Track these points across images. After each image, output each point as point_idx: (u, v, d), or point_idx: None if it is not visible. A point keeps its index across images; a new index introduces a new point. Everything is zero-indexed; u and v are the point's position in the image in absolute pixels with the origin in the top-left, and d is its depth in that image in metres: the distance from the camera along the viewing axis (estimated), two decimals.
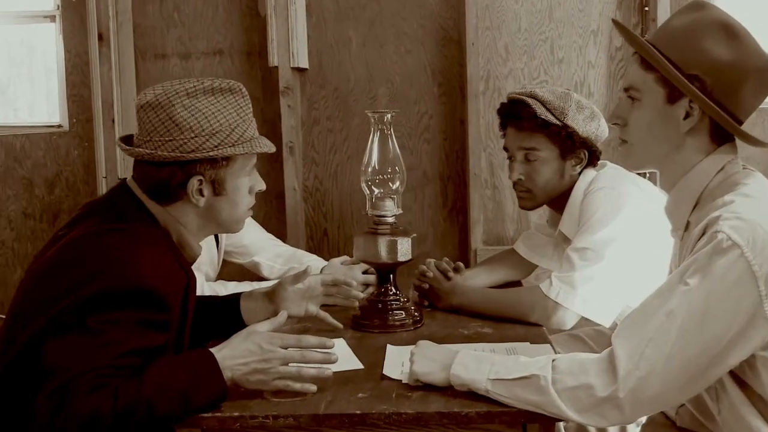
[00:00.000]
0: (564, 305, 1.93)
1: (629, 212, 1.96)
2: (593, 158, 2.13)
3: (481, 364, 1.46)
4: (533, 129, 2.10)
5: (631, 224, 1.95)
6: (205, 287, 2.09)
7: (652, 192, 2.06)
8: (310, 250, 3.21)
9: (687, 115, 1.45)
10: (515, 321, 1.97)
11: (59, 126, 3.30)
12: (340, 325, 1.91)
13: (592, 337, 2.26)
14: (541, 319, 1.95)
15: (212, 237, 2.42)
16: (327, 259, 2.48)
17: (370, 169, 1.99)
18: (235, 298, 1.88)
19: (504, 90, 3.12)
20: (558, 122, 2.06)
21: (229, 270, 3.20)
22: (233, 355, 1.50)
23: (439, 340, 1.81)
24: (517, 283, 2.42)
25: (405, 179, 2.00)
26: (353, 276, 2.21)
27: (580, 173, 2.13)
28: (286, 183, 3.12)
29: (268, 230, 3.17)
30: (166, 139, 1.52)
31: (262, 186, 1.68)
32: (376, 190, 1.99)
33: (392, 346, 1.80)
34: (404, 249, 1.96)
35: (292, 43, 3.03)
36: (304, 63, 3.10)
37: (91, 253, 1.48)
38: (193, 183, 1.54)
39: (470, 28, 3.03)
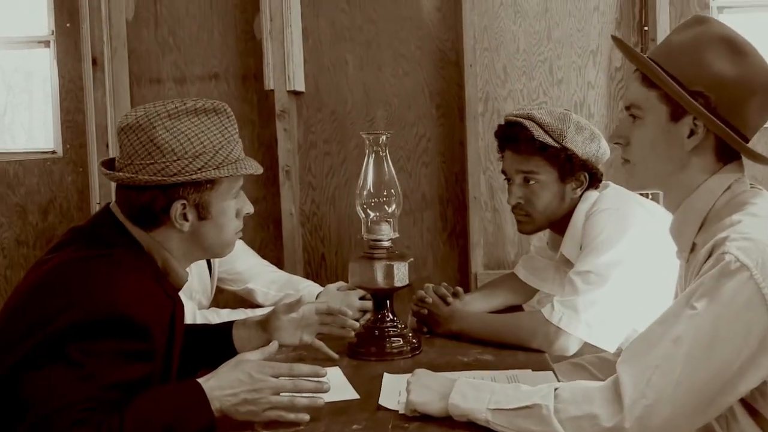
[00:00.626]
0: (567, 330, 1.87)
1: (634, 234, 1.91)
2: (594, 180, 2.08)
3: (481, 393, 1.40)
4: (531, 152, 2.05)
5: (637, 246, 1.90)
6: (197, 315, 2.04)
7: (657, 212, 2.01)
8: (307, 275, 3.16)
9: (691, 133, 1.39)
10: (516, 347, 1.91)
11: (53, 152, 3.26)
12: (336, 356, 1.85)
13: (594, 364, 2.19)
14: (542, 345, 1.89)
15: (204, 264, 2.37)
16: (324, 285, 2.43)
17: (365, 192, 1.94)
18: (228, 326, 1.83)
19: (503, 111, 3.07)
20: (556, 144, 2.01)
21: (224, 297, 3.15)
22: (221, 386, 1.45)
23: (438, 368, 1.76)
24: (517, 308, 2.37)
25: (401, 202, 1.95)
26: (349, 302, 2.16)
27: (581, 195, 2.07)
28: (283, 207, 3.07)
29: (265, 256, 3.12)
30: (147, 162, 1.46)
31: (249, 209, 1.62)
32: (372, 214, 1.94)
33: (389, 375, 1.75)
34: (401, 274, 1.90)
35: (288, 67, 3.00)
36: (300, 86, 3.07)
37: (72, 279, 1.42)
38: (177, 207, 1.48)
39: (468, 50, 2.99)
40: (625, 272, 1.88)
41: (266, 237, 3.19)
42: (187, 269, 1.62)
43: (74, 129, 3.22)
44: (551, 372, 1.73)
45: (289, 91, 3.02)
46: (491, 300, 2.31)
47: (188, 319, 2.01)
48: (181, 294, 2.09)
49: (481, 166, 3.06)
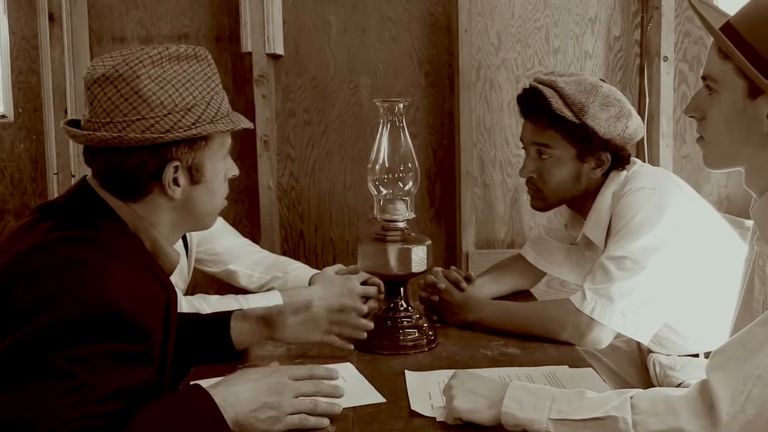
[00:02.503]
0: (600, 322, 1.70)
1: (673, 215, 1.74)
2: (619, 161, 1.89)
3: (540, 401, 1.22)
4: (547, 124, 1.87)
5: (676, 230, 1.73)
6: (183, 302, 1.81)
7: (692, 194, 1.86)
8: (284, 253, 2.95)
9: None
10: (541, 339, 1.74)
11: (3, 116, 2.96)
12: (350, 346, 1.65)
13: (606, 353, 2.05)
14: (573, 338, 1.72)
15: (180, 243, 2.13)
16: (316, 267, 2.23)
17: (378, 167, 1.73)
18: (224, 317, 1.62)
19: (496, 81, 2.90)
20: (575, 120, 1.82)
21: (199, 280, 2.92)
22: (236, 391, 1.26)
23: (462, 364, 1.59)
24: (525, 293, 2.20)
25: (418, 178, 1.75)
26: (350, 288, 1.96)
27: (605, 176, 1.90)
28: (260, 181, 2.84)
29: (239, 232, 2.91)
30: (133, 118, 1.23)
31: (235, 170, 1.42)
32: (385, 191, 1.74)
33: (412, 373, 1.56)
34: (418, 258, 1.71)
35: (267, 27, 2.75)
36: (279, 49, 2.83)
37: (47, 269, 1.17)
38: (169, 171, 1.27)
39: (463, 14, 2.79)
40: (663, 258, 1.72)
41: (241, 212, 2.97)
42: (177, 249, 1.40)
43: (27, 91, 2.93)
44: (591, 369, 1.57)
45: (267, 54, 2.78)
46: (500, 284, 2.14)
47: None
48: None
49: (473, 138, 2.87)
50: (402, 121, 1.73)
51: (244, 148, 2.90)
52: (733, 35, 1.23)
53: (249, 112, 2.85)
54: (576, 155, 1.87)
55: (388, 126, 1.72)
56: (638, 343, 2.08)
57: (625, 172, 1.89)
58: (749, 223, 2.28)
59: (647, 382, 2.06)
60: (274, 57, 2.84)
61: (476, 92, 2.88)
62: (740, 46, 1.21)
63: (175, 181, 1.28)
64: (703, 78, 1.29)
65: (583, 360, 1.63)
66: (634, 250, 1.72)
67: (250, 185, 2.90)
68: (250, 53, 2.78)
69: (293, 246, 2.98)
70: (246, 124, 1.36)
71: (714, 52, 1.27)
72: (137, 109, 1.23)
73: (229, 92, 2.89)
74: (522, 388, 1.26)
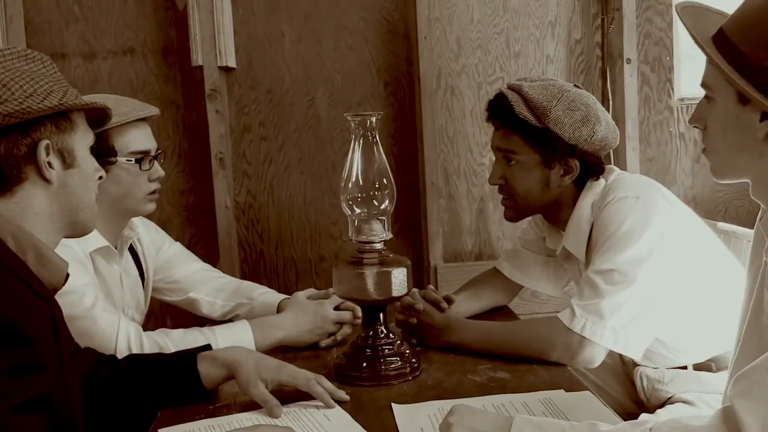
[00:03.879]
0: (592, 339, 1.62)
1: (660, 224, 1.67)
2: (591, 169, 1.81)
3: None
4: (510, 129, 1.81)
5: (664, 238, 1.66)
6: (144, 339, 1.67)
7: (676, 201, 1.79)
8: (244, 274, 2.83)
9: (764, 117, 1.15)
10: (529, 360, 1.65)
11: None
12: (345, 397, 1.52)
13: (589, 368, 1.97)
14: (563, 358, 1.64)
15: (136, 273, 1.99)
16: (278, 287, 2.11)
17: (351, 185, 1.62)
18: (191, 358, 1.51)
19: (457, 88, 2.82)
20: (538, 124, 1.75)
21: (159, 309, 2.77)
22: None
23: (450, 392, 1.50)
24: (503, 308, 2.12)
25: (395, 196, 1.65)
26: (324, 314, 1.84)
27: (580, 185, 1.83)
28: (217, 200, 2.71)
29: (196, 254, 2.76)
30: None
31: (102, 172, 1.38)
32: (359, 210, 1.63)
33: (399, 407, 1.45)
34: (399, 282, 1.60)
35: (218, 39, 2.62)
36: (231, 62, 2.70)
37: None
38: (41, 149, 1.23)
39: (422, 20, 2.70)
40: (652, 270, 1.64)
41: (197, 233, 2.82)
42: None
43: None
44: (588, 392, 1.48)
45: (219, 68, 2.65)
46: (478, 301, 2.04)
47: (134, 344, 1.66)
48: (121, 313, 1.74)
49: (436, 148, 2.78)
50: (375, 136, 1.62)
51: (198, 166, 2.77)
52: (724, 42, 1.16)
53: (202, 128, 2.71)
54: (541, 161, 1.80)
55: (361, 141, 1.62)
56: (620, 356, 2.01)
57: (603, 181, 1.82)
58: (723, 225, 2.25)
59: (632, 396, 1.99)
60: (227, 70, 2.71)
61: (438, 100, 2.79)
62: (729, 53, 1.14)
63: (49, 165, 1.25)
64: (702, 86, 1.22)
65: (579, 382, 1.54)
66: (622, 263, 1.65)
67: (206, 205, 2.77)
68: (201, 67, 2.64)
69: (253, 267, 2.85)
70: (104, 105, 1.36)
71: (708, 59, 1.20)
72: None
73: (180, 108, 2.79)
74: (528, 422, 1.16)
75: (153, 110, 1.88)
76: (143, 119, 1.87)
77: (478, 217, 2.86)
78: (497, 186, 1.90)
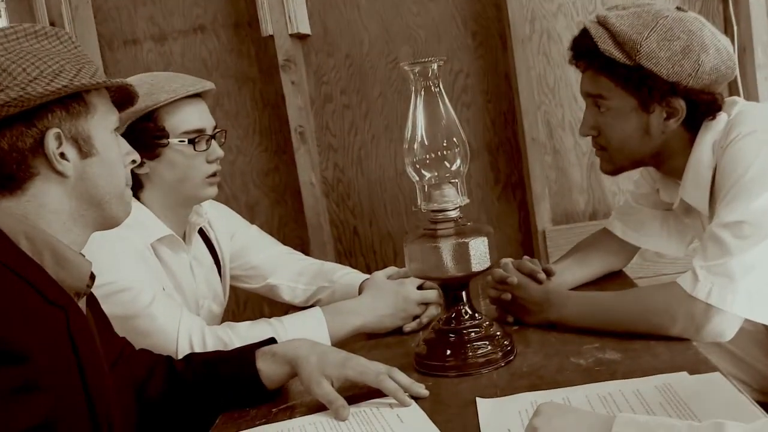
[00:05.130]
0: (721, 308, 1.33)
1: None
2: (704, 108, 1.50)
3: None
4: (597, 70, 1.53)
5: None
6: (207, 336, 1.51)
7: None
8: (339, 254, 2.65)
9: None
10: (646, 336, 1.38)
11: None
12: (425, 392, 1.31)
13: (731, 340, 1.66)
14: (687, 331, 1.36)
15: (210, 262, 1.85)
16: (362, 266, 1.92)
17: (416, 146, 1.40)
18: (249, 356, 1.35)
19: (554, 31, 2.52)
20: (627, 62, 1.46)
21: (240, 296, 2.65)
22: None
23: (550, 381, 1.24)
24: (618, 274, 1.85)
25: (468, 153, 1.41)
26: (405, 295, 1.64)
27: (692, 126, 1.52)
28: (301, 177, 2.54)
29: (287, 237, 2.63)
30: None
31: (135, 155, 1.24)
32: (428, 175, 1.40)
33: (485, 401, 1.23)
34: (479, 253, 1.37)
35: (287, 5, 2.44)
36: (305, 28, 2.51)
37: None
38: (50, 139, 1.09)
39: None
40: None
41: (285, 214, 2.67)
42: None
43: None
44: (718, 373, 1.20)
45: (291, 35, 2.46)
46: (586, 267, 1.78)
47: (196, 342, 1.51)
48: (182, 307, 1.59)
49: (535, 100, 2.50)
50: (439, 85, 1.39)
51: (280, 143, 2.61)
52: None
53: (280, 102, 2.55)
54: (637, 105, 1.51)
55: (422, 94, 1.39)
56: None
57: (724, 116, 1.51)
58: None
59: None
60: (300, 37, 2.53)
61: (533, 47, 2.50)
62: None
63: (63, 156, 1.11)
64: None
65: (706, 361, 1.27)
66: (752, 213, 1.35)
67: (293, 184, 2.60)
68: (272, 36, 2.47)
69: (348, 245, 2.67)
70: (123, 82, 1.19)
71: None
72: None
73: (257, 83, 2.63)
74: (632, 423, 0.91)
75: (207, 85, 1.72)
76: (198, 95, 1.71)
77: (588, 172, 2.56)
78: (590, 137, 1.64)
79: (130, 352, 1.38)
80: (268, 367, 1.34)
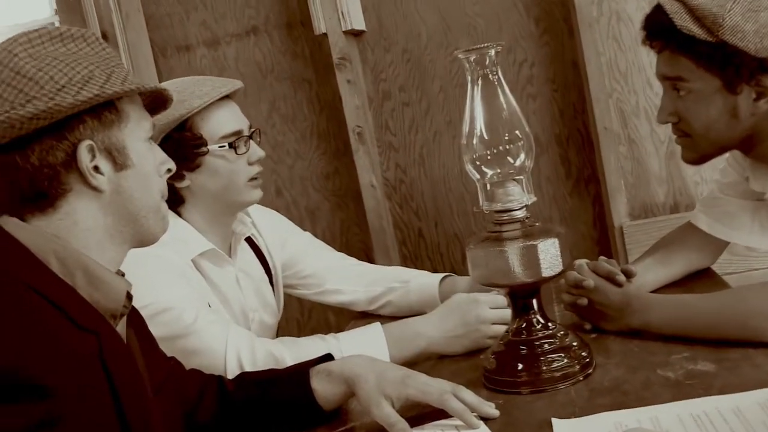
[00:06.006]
0: None
1: None
2: None
3: None
4: (673, 50, 1.39)
5: None
6: (257, 353, 1.42)
7: None
8: (404, 258, 2.55)
9: None
10: (743, 343, 1.23)
11: None
12: (495, 411, 1.19)
13: None
14: None
15: (260, 270, 1.76)
16: (443, 268, 1.81)
17: (475, 141, 1.28)
18: (303, 376, 1.26)
19: (623, 13, 2.35)
20: (709, 38, 1.31)
21: (305, 305, 2.58)
22: None
23: (636, 398, 1.11)
24: (705, 272, 1.69)
25: (533, 147, 1.28)
26: (478, 314, 1.48)
27: None
28: (361, 179, 2.44)
29: (350, 241, 2.55)
30: (22, 101, 0.97)
31: (171, 164, 1.16)
32: (490, 172, 1.28)
33: (561, 422, 1.10)
34: (549, 257, 1.24)
35: (340, 1, 2.34)
36: (359, 24, 2.41)
37: None
38: (83, 152, 1.01)
39: None
40: None
41: (347, 218, 2.57)
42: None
43: None
44: None
45: (345, 32, 2.36)
46: (670, 267, 1.63)
47: (246, 359, 1.42)
48: (230, 322, 1.51)
49: (606, 87, 2.34)
50: (498, 74, 1.27)
51: (338, 146, 2.52)
52: None
53: (337, 102, 2.46)
54: (722, 86, 1.36)
55: (480, 84, 1.26)
56: None
57: None
58: None
59: None
60: (355, 34, 2.43)
61: (601, 30, 2.34)
62: None
63: (97, 169, 1.03)
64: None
65: None
66: None
67: (354, 186, 2.51)
68: (325, 35, 2.38)
69: (413, 248, 2.56)
70: (157, 86, 1.12)
71: None
72: (24, 90, 0.98)
73: (312, 85, 2.54)
74: None
75: (236, 84, 1.63)
76: (227, 97, 1.62)
77: (668, 161, 2.39)
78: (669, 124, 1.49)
79: (180, 373, 1.30)
80: (323, 387, 1.24)
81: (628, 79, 2.37)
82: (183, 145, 1.53)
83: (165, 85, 1.59)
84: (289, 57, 2.53)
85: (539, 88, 2.43)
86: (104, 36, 2.45)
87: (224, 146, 1.56)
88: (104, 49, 1.08)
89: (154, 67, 2.53)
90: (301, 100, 2.54)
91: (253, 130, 1.63)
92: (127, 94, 1.05)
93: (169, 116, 1.51)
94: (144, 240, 1.12)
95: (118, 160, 1.06)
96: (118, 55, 1.14)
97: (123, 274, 1.09)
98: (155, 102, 1.15)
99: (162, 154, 1.15)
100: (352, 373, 1.23)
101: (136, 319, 1.18)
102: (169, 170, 1.15)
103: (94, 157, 1.03)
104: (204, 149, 1.54)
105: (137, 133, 1.09)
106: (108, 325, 1.03)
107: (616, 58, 2.36)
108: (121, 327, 1.07)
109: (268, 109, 2.54)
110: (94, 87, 1.01)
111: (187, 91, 1.54)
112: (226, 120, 1.57)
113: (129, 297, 1.08)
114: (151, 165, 1.11)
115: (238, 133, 1.58)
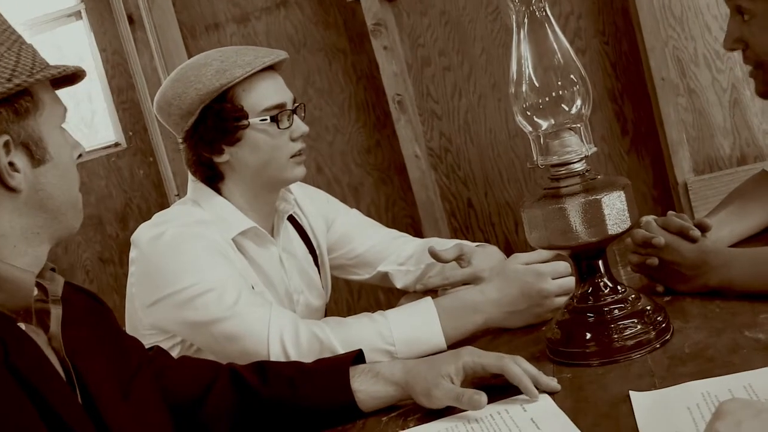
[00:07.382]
0: None
1: None
2: None
3: None
4: None
5: None
6: (301, 335, 1.32)
7: None
8: (454, 230, 2.44)
9: None
10: None
11: (116, 144, 2.64)
12: (557, 385, 1.08)
13: None
14: None
15: (304, 251, 1.66)
16: (495, 240, 1.69)
17: (524, 89, 1.15)
18: (342, 372, 1.17)
19: None
20: None
21: (353, 285, 2.48)
22: None
23: (722, 365, 0.98)
24: None
25: (590, 91, 1.15)
26: (540, 287, 1.33)
27: None
28: (404, 151, 2.33)
29: (396, 216, 2.44)
30: None
31: (81, 148, 1.01)
32: (544, 123, 1.15)
33: (640, 395, 0.98)
34: (615, 212, 1.11)
35: None
36: None
37: None
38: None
39: None
40: None
41: (392, 193, 2.47)
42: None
43: (132, 110, 2.59)
44: None
45: None
46: (746, 220, 1.47)
47: (289, 342, 1.32)
48: (272, 303, 1.41)
49: (661, 34, 2.18)
50: (545, 11, 1.14)
51: (378, 117, 2.41)
52: None
53: (374, 71, 2.34)
54: None
55: (526, 24, 1.14)
56: None
57: None
58: None
59: None
60: None
61: None
62: None
63: (12, 166, 0.90)
64: None
65: None
66: None
67: (395, 158, 2.40)
68: (358, 1, 2.26)
69: (463, 219, 2.44)
70: (75, 68, 0.97)
71: None
72: None
73: (348, 55, 2.43)
74: None
75: (280, 54, 1.53)
76: (270, 67, 1.52)
77: (732, 110, 2.22)
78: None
79: (169, 364, 1.20)
80: (368, 389, 1.14)
81: (684, 25, 2.21)
82: (223, 117, 1.44)
83: (209, 53, 1.49)
84: (322, 27, 2.42)
85: (588, 41, 2.29)
86: (130, 19, 2.37)
87: (266, 120, 1.46)
88: (6, 29, 0.94)
89: (183, 50, 2.44)
90: (336, 71, 2.43)
91: (297, 104, 1.53)
92: (46, 77, 0.93)
93: (209, 86, 1.41)
94: (62, 237, 0.99)
95: (36, 154, 0.93)
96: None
97: (54, 269, 0.97)
98: (62, 80, 1.00)
99: (73, 138, 1.01)
100: (405, 370, 1.14)
101: (96, 315, 1.07)
102: (80, 155, 1.01)
103: (8, 152, 0.90)
104: (245, 122, 1.45)
105: (52, 121, 0.96)
106: (16, 327, 0.90)
107: (670, 3, 2.20)
108: (54, 323, 0.94)
109: (302, 84, 2.44)
110: (3, 73, 0.89)
111: (229, 60, 1.44)
112: (269, 92, 1.47)
113: (43, 288, 0.95)
114: (69, 155, 0.97)
115: (281, 106, 1.48)
